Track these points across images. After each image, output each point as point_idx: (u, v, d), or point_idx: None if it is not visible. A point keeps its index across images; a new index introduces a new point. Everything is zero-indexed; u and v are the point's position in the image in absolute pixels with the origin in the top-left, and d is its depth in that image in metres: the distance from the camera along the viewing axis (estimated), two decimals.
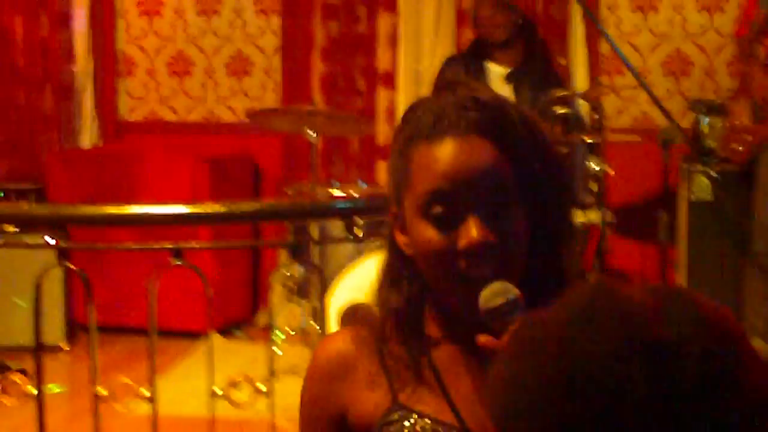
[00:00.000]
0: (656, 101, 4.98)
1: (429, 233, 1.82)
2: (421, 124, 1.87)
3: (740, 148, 6.34)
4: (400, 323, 1.97)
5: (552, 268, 1.92)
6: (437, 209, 1.81)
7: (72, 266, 3.83)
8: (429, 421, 1.89)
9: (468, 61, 6.93)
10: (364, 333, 2.03)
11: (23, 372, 5.43)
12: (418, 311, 1.98)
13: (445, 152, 1.81)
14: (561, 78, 7.10)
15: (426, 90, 7.16)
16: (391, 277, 2.00)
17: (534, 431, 1.21)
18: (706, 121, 6.77)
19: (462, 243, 1.78)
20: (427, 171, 1.83)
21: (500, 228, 1.80)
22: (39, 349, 3.70)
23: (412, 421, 1.92)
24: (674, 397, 1.14)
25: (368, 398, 1.97)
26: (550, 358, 1.22)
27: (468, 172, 1.80)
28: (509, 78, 6.78)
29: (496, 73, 6.79)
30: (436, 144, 1.82)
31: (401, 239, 1.94)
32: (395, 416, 1.93)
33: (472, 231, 1.77)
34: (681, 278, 6.70)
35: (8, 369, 5.82)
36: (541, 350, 1.24)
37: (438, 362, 1.94)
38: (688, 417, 1.14)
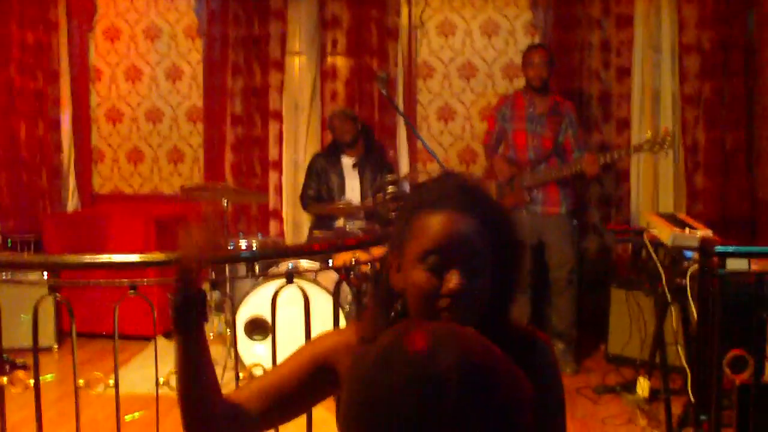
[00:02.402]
0: None
1: (422, 277, 1.77)
2: (425, 199, 1.84)
3: None
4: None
5: (501, 318, 1.88)
6: (431, 260, 1.77)
7: (59, 296, 3.76)
8: None
9: (328, 154, 6.97)
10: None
11: (24, 366, 5.34)
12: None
13: (442, 220, 1.78)
14: (392, 165, 7.17)
15: (301, 173, 7.21)
16: (379, 306, 1.93)
17: None
18: None
19: (446, 287, 1.75)
20: (427, 232, 1.79)
21: (473, 282, 1.76)
22: (36, 350, 3.61)
23: None
24: (439, 418, 1.17)
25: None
26: (361, 390, 1.26)
27: (457, 236, 1.77)
28: (355, 166, 6.84)
29: (347, 162, 6.84)
30: (435, 214, 1.79)
31: (394, 278, 1.88)
32: None
33: (454, 279, 1.74)
34: None
35: (14, 364, 5.71)
36: (356, 383, 1.28)
37: None
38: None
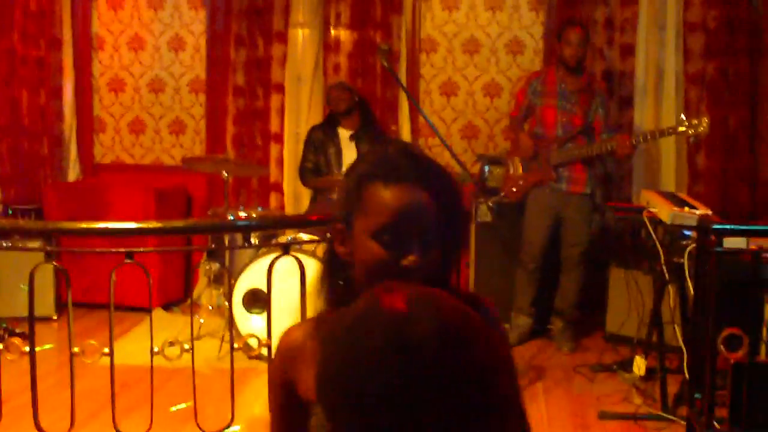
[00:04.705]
0: (454, 156, 5.03)
1: (376, 253, 1.75)
2: (373, 170, 1.80)
3: (515, 189, 6.46)
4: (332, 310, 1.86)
5: (445, 283, 1.84)
6: (386, 236, 1.75)
7: (56, 264, 3.78)
8: None
9: (325, 127, 6.98)
10: (315, 322, 1.91)
11: (24, 335, 5.37)
12: (347, 302, 1.80)
13: (395, 195, 1.75)
14: (390, 138, 7.14)
15: (302, 146, 7.19)
16: (329, 277, 1.91)
17: (333, 401, 1.27)
18: (487, 168, 6.89)
19: (402, 264, 1.73)
20: (380, 207, 1.76)
21: (427, 256, 1.75)
22: (32, 319, 3.64)
23: None
24: (418, 379, 1.19)
25: (309, 375, 1.79)
26: (337, 353, 1.27)
27: (411, 212, 1.75)
28: (352, 138, 6.84)
29: (344, 134, 6.85)
30: (387, 188, 1.76)
31: (341, 249, 1.86)
32: None
33: (411, 257, 1.73)
34: (471, 274, 6.78)
35: (13, 332, 5.75)
36: (333, 347, 1.29)
37: None
38: (430, 394, 1.19)
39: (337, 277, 1.89)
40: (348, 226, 1.84)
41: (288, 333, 1.96)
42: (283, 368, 1.91)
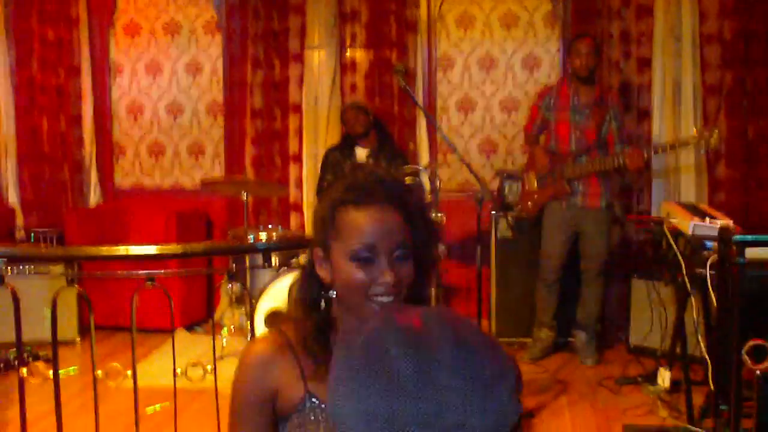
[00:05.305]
0: (473, 172, 5.04)
1: (354, 271, 1.86)
2: (348, 193, 1.90)
3: (530, 204, 6.47)
4: (315, 331, 1.96)
5: (421, 294, 1.99)
6: (362, 256, 1.86)
7: (78, 288, 3.79)
8: None
9: (342, 147, 6.98)
10: (287, 335, 2.00)
11: (47, 359, 5.39)
12: (327, 323, 1.98)
13: (368, 217, 1.86)
14: (406, 156, 7.14)
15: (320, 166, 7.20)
16: (309, 298, 2.00)
17: (348, 417, 1.26)
18: (506, 184, 6.89)
19: (380, 281, 1.85)
20: (355, 230, 1.86)
21: (400, 271, 1.87)
22: (55, 343, 3.66)
23: (318, 409, 1.93)
24: (433, 387, 1.19)
25: (288, 388, 1.95)
26: (354, 369, 1.27)
27: (385, 232, 1.86)
28: (369, 157, 6.84)
29: (361, 154, 6.85)
30: (360, 211, 1.87)
31: (321, 272, 1.96)
32: (306, 404, 1.93)
33: (388, 274, 1.84)
34: (492, 289, 6.76)
35: (37, 356, 5.76)
36: (348, 363, 1.28)
37: None
38: (446, 406, 1.19)
39: (317, 300, 2.00)
40: (326, 251, 1.95)
41: (254, 347, 2.02)
42: (259, 383, 1.98)
